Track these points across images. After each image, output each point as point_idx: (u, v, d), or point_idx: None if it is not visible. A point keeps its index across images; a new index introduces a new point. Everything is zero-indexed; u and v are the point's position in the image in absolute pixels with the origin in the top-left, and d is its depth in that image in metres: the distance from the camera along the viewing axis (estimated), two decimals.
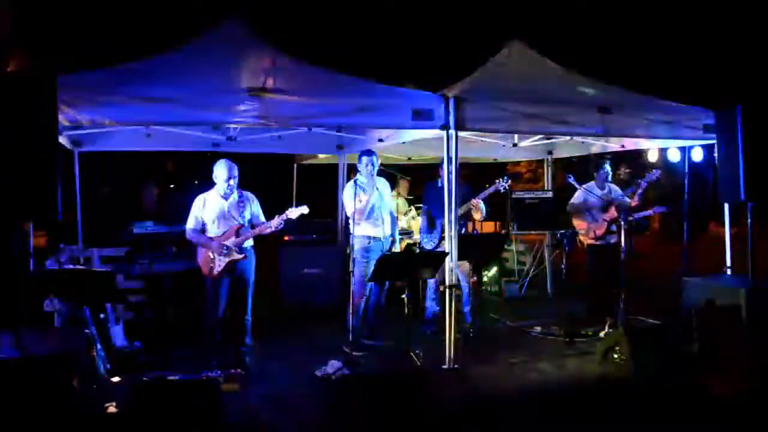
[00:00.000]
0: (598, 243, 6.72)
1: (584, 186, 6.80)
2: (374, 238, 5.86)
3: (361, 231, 5.81)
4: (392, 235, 6.08)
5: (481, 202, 6.37)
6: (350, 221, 5.92)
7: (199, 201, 5.34)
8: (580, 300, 7.02)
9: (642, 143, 7.40)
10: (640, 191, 6.52)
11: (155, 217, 6.96)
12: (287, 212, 5.26)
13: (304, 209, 5.29)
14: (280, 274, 7.47)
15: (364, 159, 5.82)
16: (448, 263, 5.31)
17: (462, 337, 5.77)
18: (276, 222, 5.25)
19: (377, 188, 5.91)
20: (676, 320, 5.75)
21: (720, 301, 5.42)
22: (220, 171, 5.26)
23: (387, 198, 6.06)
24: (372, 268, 5.61)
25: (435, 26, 14.65)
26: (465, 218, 6.43)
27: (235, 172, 5.27)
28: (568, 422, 4.32)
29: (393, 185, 8.69)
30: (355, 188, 5.77)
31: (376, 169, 5.87)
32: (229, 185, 5.26)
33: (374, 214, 5.87)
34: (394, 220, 6.14)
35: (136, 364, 5.13)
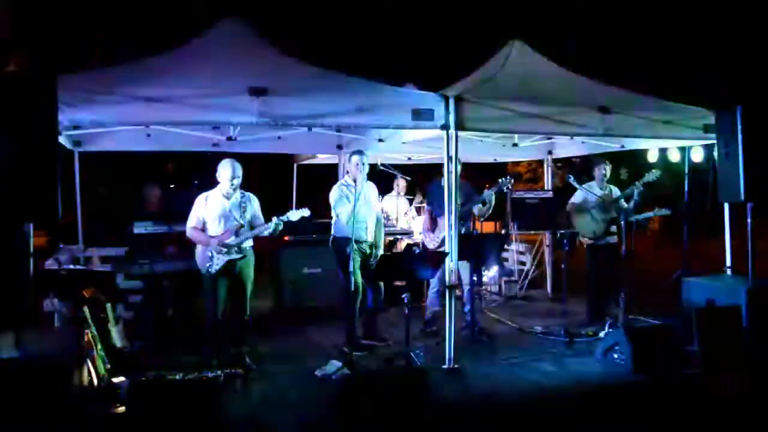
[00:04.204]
0: (597, 243, 6.73)
1: (584, 186, 6.80)
2: (355, 239, 5.82)
3: (341, 232, 5.80)
4: (375, 239, 6.05)
5: (493, 196, 6.36)
6: (333, 221, 5.92)
7: (201, 199, 5.34)
8: (580, 300, 7.02)
9: (642, 143, 7.40)
10: (636, 193, 6.48)
11: (155, 217, 6.95)
12: (288, 214, 5.25)
13: (306, 212, 5.28)
14: (280, 274, 7.47)
15: (354, 158, 5.77)
16: (449, 263, 5.31)
17: (462, 337, 5.77)
18: (275, 224, 5.25)
19: (364, 190, 5.87)
20: (676, 320, 5.75)
21: (720, 301, 5.42)
22: (225, 170, 5.26)
23: (373, 201, 6.04)
24: (357, 267, 5.63)
25: (435, 26, 14.66)
26: (466, 218, 6.44)
27: (240, 173, 5.28)
28: (568, 422, 4.32)
29: (392, 185, 8.72)
30: (343, 188, 5.77)
31: (366, 169, 5.82)
32: (232, 185, 5.26)
33: (358, 217, 5.84)
34: (378, 225, 6.11)
35: (136, 364, 5.12)
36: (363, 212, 5.82)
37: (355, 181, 5.74)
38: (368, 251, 5.96)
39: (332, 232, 6.02)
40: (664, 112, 6.01)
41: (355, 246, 5.65)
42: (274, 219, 5.25)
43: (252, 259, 5.42)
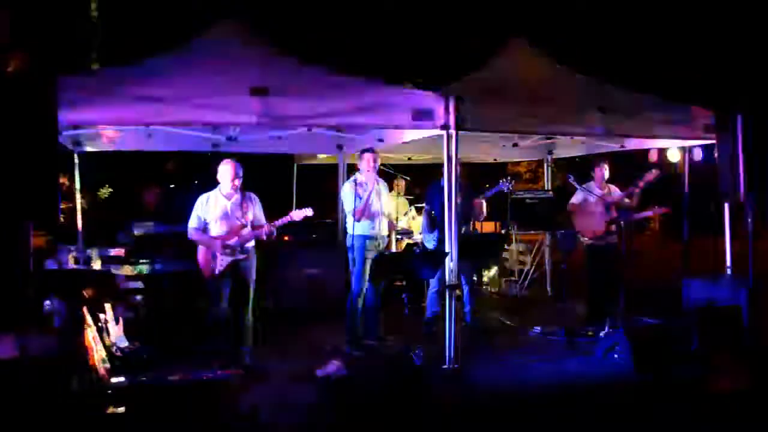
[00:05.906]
0: (597, 243, 6.72)
1: (584, 186, 6.80)
2: (370, 236, 5.85)
3: (356, 229, 5.81)
4: (388, 235, 6.06)
5: (484, 202, 6.37)
6: (347, 218, 5.92)
7: (202, 200, 5.33)
8: (580, 300, 7.01)
9: (642, 143, 7.40)
10: (637, 191, 6.49)
11: (155, 217, 6.95)
12: (291, 214, 5.25)
13: (309, 211, 5.28)
14: (280, 274, 7.46)
15: (366, 156, 5.80)
16: (448, 263, 5.31)
17: (462, 337, 5.75)
18: (278, 224, 5.25)
19: (376, 187, 5.90)
20: (676, 320, 5.75)
21: (720, 301, 5.42)
22: (225, 170, 5.25)
23: (385, 198, 6.06)
24: (368, 266, 5.60)
25: (435, 26, 14.66)
26: (465, 219, 6.43)
27: (240, 173, 5.27)
28: (568, 422, 4.32)
29: (391, 185, 8.73)
30: (355, 186, 5.77)
31: (377, 167, 5.86)
32: (233, 185, 5.25)
33: (371, 213, 5.86)
34: (390, 221, 6.12)
35: (136, 364, 5.12)
36: (375, 208, 5.85)
37: (358, 182, 5.76)
38: (383, 246, 5.98)
39: (346, 229, 6.04)
40: (664, 112, 6.01)
41: (367, 241, 5.67)
42: (276, 222, 5.25)
43: (254, 259, 5.42)
